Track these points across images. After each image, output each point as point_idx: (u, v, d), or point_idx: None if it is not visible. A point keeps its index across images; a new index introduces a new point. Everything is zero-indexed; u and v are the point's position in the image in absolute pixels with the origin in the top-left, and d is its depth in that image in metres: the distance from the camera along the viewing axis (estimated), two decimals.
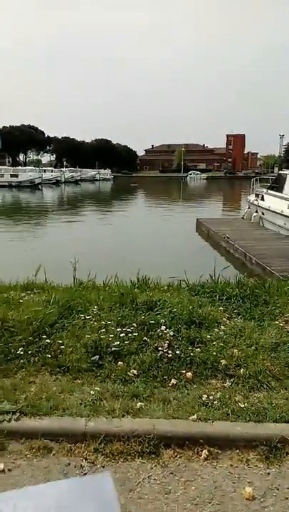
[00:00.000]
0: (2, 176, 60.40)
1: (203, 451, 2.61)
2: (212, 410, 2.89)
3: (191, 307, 4.42)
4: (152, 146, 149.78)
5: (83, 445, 2.64)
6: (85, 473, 2.45)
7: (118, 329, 3.96)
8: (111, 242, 17.12)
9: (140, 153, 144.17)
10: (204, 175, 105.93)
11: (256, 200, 19.46)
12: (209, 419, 2.78)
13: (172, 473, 2.46)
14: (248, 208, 20.86)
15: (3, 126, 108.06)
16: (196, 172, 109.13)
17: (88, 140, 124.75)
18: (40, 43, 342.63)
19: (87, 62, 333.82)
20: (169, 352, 3.58)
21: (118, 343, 3.72)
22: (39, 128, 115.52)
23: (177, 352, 3.59)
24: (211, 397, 3.03)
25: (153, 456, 2.57)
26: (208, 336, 3.87)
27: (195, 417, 2.79)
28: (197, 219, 20.35)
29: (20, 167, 75.62)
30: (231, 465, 2.54)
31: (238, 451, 2.64)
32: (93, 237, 18.36)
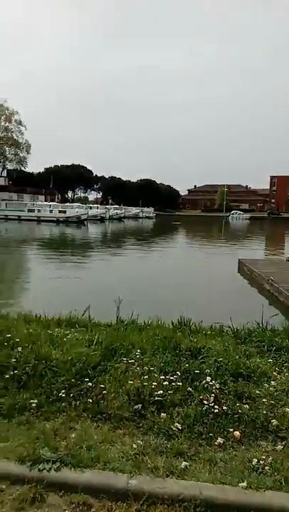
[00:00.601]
0: (51, 211, 63.43)
1: None
2: (264, 477, 2.65)
3: (237, 357, 4.24)
4: (195, 186, 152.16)
5: (125, 504, 2.49)
6: None
7: (161, 377, 3.84)
8: (153, 279, 17.11)
9: (183, 192, 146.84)
10: (247, 215, 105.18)
11: None
12: (261, 488, 2.55)
13: None
14: None
15: (55, 165, 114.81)
16: (239, 212, 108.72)
17: (134, 179, 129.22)
18: (93, 88, 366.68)
19: (131, 106, 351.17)
20: (216, 406, 3.39)
21: (161, 392, 3.59)
22: (87, 167, 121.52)
23: (224, 407, 3.39)
24: (261, 462, 2.80)
25: None
26: (258, 392, 3.64)
27: (245, 484, 2.57)
28: (239, 259, 19.99)
29: (68, 203, 79.16)
30: None
31: None
32: (135, 275, 18.47)
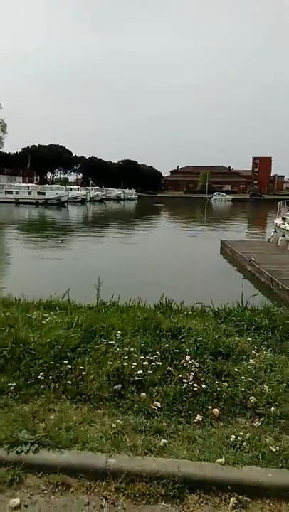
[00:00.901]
0: (30, 193, 62.13)
1: (232, 499, 2.41)
2: (241, 453, 2.70)
3: (217, 336, 4.27)
4: (177, 167, 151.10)
5: (103, 483, 2.50)
6: None
7: (141, 357, 3.84)
8: (133, 262, 17.09)
9: (165, 174, 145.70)
10: (229, 196, 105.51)
11: (283, 224, 19.13)
12: (238, 464, 2.59)
13: None
14: (275, 231, 20.51)
15: (33, 145, 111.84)
16: (221, 193, 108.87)
17: (114, 160, 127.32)
18: (75, 67, 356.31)
19: (112, 86, 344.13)
20: (195, 385, 3.42)
21: (141, 372, 3.59)
22: (67, 148, 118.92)
23: (203, 385, 3.42)
24: (239, 438, 2.85)
25: (177, 500, 2.40)
26: (236, 370, 3.68)
27: (223, 460, 2.61)
28: (222, 241, 20.13)
29: (47, 185, 77.66)
30: None
31: (269, 500, 2.43)
32: (115, 257, 18.39)
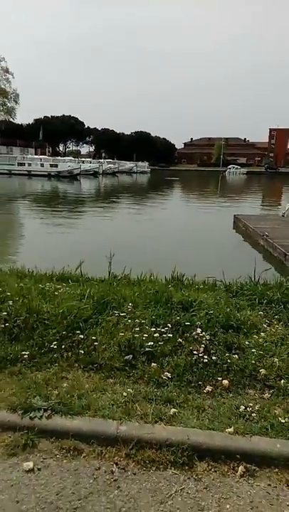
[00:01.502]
0: (42, 165, 61.78)
1: (240, 467, 2.46)
2: (250, 423, 2.73)
3: (228, 310, 4.25)
4: (191, 139, 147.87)
5: (114, 449, 2.56)
6: (116, 480, 2.37)
7: (152, 329, 3.86)
8: (146, 236, 17.04)
9: (179, 146, 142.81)
10: (244, 169, 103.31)
11: None
12: (247, 433, 2.62)
13: (206, 488, 2.33)
14: None
15: (45, 116, 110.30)
16: (236, 166, 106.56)
17: (127, 132, 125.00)
18: (85, 36, 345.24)
19: (126, 54, 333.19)
20: (205, 357, 3.44)
21: (152, 343, 3.62)
22: (79, 119, 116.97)
23: (213, 357, 3.44)
24: (248, 409, 2.87)
25: (186, 467, 2.46)
26: (247, 343, 3.68)
27: (232, 429, 2.64)
28: (235, 215, 19.86)
29: (59, 157, 76.99)
30: (269, 484, 2.38)
31: (277, 470, 2.47)
32: (128, 231, 18.34)
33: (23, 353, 3.51)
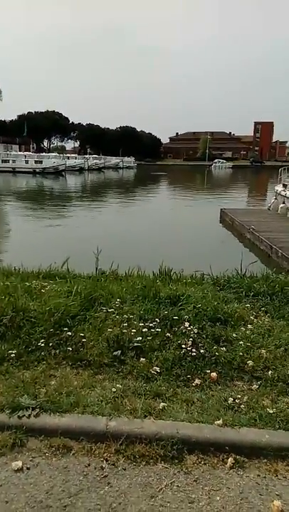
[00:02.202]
0: (27, 162, 61.09)
1: (229, 459, 2.47)
2: (238, 415, 2.75)
3: (216, 303, 4.27)
4: (177, 133, 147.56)
5: (104, 445, 2.55)
6: (106, 476, 2.36)
7: (140, 324, 3.85)
8: (133, 231, 17.01)
9: (164, 140, 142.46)
10: (230, 163, 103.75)
11: (284, 191, 18.89)
12: (236, 425, 2.64)
13: (196, 481, 2.34)
14: (275, 198, 20.30)
15: (28, 112, 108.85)
16: (222, 160, 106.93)
17: (112, 127, 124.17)
18: (68, 31, 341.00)
19: (111, 50, 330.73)
20: (193, 350, 3.44)
21: (140, 338, 3.61)
22: (63, 114, 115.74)
23: (201, 350, 3.44)
24: (237, 401, 2.89)
25: (176, 461, 2.46)
26: (234, 335, 3.70)
27: (220, 421, 2.66)
28: (221, 209, 19.97)
29: (44, 153, 76.22)
30: (259, 475, 2.40)
31: (266, 460, 2.49)
32: (116, 226, 18.29)
33: (10, 352, 3.46)
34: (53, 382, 3.13)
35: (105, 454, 2.50)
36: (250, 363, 3.33)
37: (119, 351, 3.49)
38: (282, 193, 18.97)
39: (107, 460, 2.47)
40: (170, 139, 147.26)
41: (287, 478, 2.39)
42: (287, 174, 21.55)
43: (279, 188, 20.08)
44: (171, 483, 2.32)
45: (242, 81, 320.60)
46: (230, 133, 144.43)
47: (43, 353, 3.50)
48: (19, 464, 2.41)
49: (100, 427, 2.61)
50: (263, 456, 2.50)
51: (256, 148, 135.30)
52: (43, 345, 3.58)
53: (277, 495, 2.27)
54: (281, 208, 18.52)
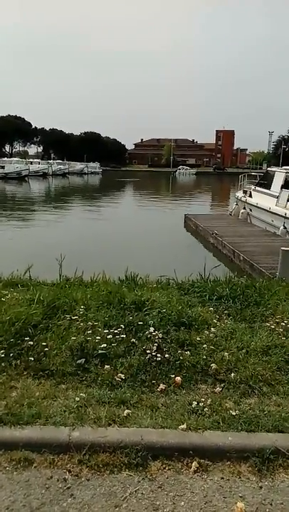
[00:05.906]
0: None
1: (193, 463, 2.48)
2: (202, 418, 2.77)
3: (180, 307, 4.30)
4: (141, 140, 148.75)
5: (67, 456, 2.49)
6: (69, 487, 2.30)
7: (105, 330, 3.81)
8: (98, 237, 16.92)
9: (129, 147, 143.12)
10: (193, 170, 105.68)
11: (244, 197, 19.46)
12: (199, 429, 2.66)
13: (160, 487, 2.33)
14: (236, 204, 20.85)
15: None
16: (185, 167, 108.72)
17: (77, 133, 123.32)
18: (29, 32, 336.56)
19: (75, 53, 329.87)
20: (158, 355, 3.45)
21: (105, 345, 3.57)
22: (26, 119, 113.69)
23: (166, 355, 3.46)
24: (201, 404, 2.91)
25: (140, 468, 2.44)
26: (198, 338, 3.74)
27: (184, 426, 2.67)
28: (185, 215, 20.28)
29: (6, 158, 74.39)
30: (222, 478, 2.42)
31: (229, 462, 2.52)
32: (80, 233, 18.12)
33: None
34: (13, 394, 3.03)
35: (68, 465, 2.44)
36: (213, 365, 3.38)
37: (83, 359, 3.43)
38: (243, 198, 19.53)
39: (70, 471, 2.41)
40: (135, 145, 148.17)
41: (250, 479, 2.43)
42: (247, 181, 22.21)
43: (239, 194, 20.65)
44: (135, 491, 2.30)
45: (207, 87, 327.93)
46: (193, 140, 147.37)
47: (3, 364, 3.39)
48: None
49: (63, 438, 2.55)
50: (226, 459, 2.53)
51: (218, 155, 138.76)
52: (3, 355, 3.46)
53: (240, 497, 2.30)
54: (242, 213, 19.05)
